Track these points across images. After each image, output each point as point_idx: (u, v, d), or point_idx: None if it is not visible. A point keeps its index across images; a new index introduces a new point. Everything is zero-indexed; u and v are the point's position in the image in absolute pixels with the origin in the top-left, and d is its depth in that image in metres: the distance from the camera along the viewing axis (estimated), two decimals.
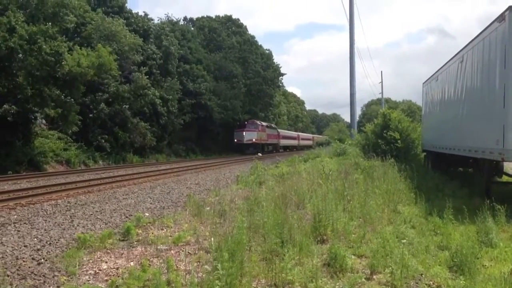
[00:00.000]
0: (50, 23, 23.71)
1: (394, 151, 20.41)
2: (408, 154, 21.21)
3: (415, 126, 23.81)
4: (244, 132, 54.83)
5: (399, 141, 20.95)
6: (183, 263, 6.25)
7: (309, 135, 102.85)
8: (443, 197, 10.83)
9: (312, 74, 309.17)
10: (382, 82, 69.07)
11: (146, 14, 46.53)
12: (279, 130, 70.46)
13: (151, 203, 12.49)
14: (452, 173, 17.03)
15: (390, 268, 5.55)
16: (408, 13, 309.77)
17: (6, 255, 6.81)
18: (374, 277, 5.71)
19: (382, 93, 70.32)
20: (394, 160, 16.53)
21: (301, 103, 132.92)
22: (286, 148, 75.48)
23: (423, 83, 22.66)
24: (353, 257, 6.42)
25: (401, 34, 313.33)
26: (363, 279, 5.56)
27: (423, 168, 18.51)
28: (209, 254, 6.50)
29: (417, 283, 5.46)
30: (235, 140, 55.93)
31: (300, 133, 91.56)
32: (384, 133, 21.53)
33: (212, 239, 6.40)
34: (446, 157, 16.42)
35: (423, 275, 5.66)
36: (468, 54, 13.14)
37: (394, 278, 5.35)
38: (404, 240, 6.53)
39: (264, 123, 60.96)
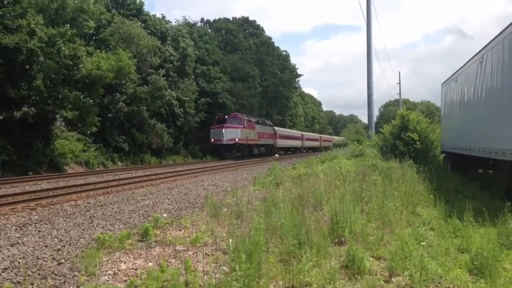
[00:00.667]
0: (68, 25, 24.07)
1: (413, 152, 20.21)
2: (426, 156, 20.99)
3: (434, 127, 23.55)
4: (223, 129, 41.84)
5: (417, 142, 20.75)
6: (201, 264, 6.28)
7: (316, 135, 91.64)
8: (463, 199, 10.68)
9: (328, 75, 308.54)
10: (400, 83, 68.44)
11: (163, 17, 46.96)
12: (276, 128, 58.34)
13: (168, 204, 12.57)
14: (471, 174, 16.81)
15: (409, 270, 5.49)
16: (425, 14, 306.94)
17: (27, 255, 6.92)
18: (393, 279, 5.66)
19: (400, 94, 69.65)
20: (413, 161, 16.38)
21: (318, 104, 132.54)
22: (287, 150, 65.49)
23: (442, 84, 22.41)
24: (371, 259, 6.38)
25: (419, 34, 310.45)
26: (382, 282, 5.53)
27: (442, 170, 18.30)
28: (226, 255, 6.52)
29: (436, 286, 5.40)
30: (211, 140, 43.05)
31: (304, 133, 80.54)
32: (402, 134, 21.35)
33: (230, 240, 6.41)
34: (466, 158, 16.22)
35: (442, 278, 5.60)
36: (487, 55, 12.95)
37: (413, 281, 5.30)
38: (423, 243, 6.46)
39: (253, 118, 48.95)
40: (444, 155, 21.80)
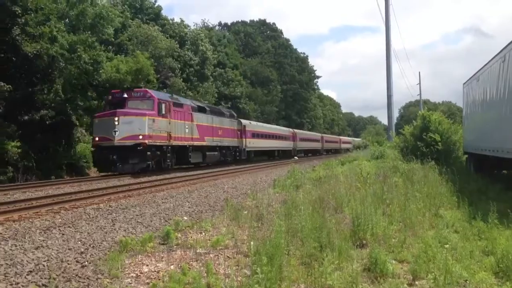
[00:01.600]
0: (89, 32, 24.54)
1: (434, 153, 19.97)
2: (449, 157, 20.71)
3: (456, 128, 23.23)
4: (116, 119, 22.58)
5: (439, 143, 20.49)
6: (222, 267, 6.29)
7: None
8: (487, 200, 10.47)
9: (346, 76, 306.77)
10: (420, 83, 67.73)
11: (182, 21, 47.36)
12: (245, 121, 42.33)
13: (189, 207, 12.63)
14: (496, 175, 16.50)
15: (433, 273, 5.42)
16: (444, 14, 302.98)
17: (52, 258, 7.02)
18: (417, 282, 5.59)
19: (420, 94, 68.89)
20: (435, 162, 16.16)
21: (337, 105, 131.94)
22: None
23: (464, 84, 22.10)
24: (394, 262, 6.31)
25: (437, 34, 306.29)
26: (405, 285, 5.46)
27: (465, 171, 18.02)
28: (247, 258, 6.52)
29: None
30: (95, 139, 23.33)
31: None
32: (423, 136, 21.11)
33: (251, 243, 6.41)
34: (489, 159, 15.94)
35: (467, 281, 5.50)
36: (510, 53, 12.72)
37: (437, 284, 5.23)
38: (447, 245, 6.37)
39: (189, 101, 29.99)
40: (467, 156, 21.47)
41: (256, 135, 44.06)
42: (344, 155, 38.18)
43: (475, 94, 18.91)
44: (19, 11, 21.68)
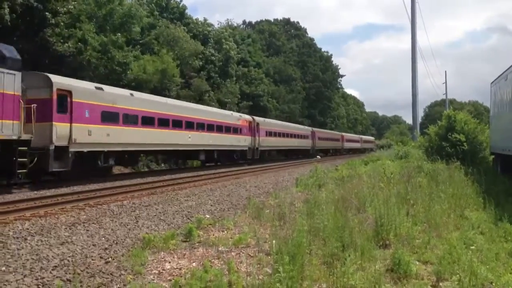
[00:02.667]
0: (119, 34, 24.92)
1: (460, 153, 19.63)
2: (475, 157, 20.33)
3: (482, 128, 22.78)
4: None
5: (465, 144, 20.14)
6: (244, 265, 6.30)
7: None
8: None
9: (370, 75, 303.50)
10: (446, 82, 66.69)
11: (205, 20, 47.60)
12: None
13: (211, 205, 12.69)
14: None
15: (458, 275, 5.32)
16: (470, 12, 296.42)
17: (76, 254, 7.14)
18: (441, 284, 5.50)
19: (446, 94, 67.86)
20: (460, 163, 15.87)
21: (360, 105, 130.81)
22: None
23: (491, 83, 21.64)
24: (417, 263, 6.22)
25: (463, 33, 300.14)
26: (429, 287, 5.38)
27: (492, 172, 17.64)
28: (269, 257, 6.52)
29: None
30: None
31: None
32: (449, 135, 20.78)
33: (273, 241, 6.40)
34: None
35: (493, 284, 5.38)
36: None
37: (462, 286, 5.13)
38: (473, 247, 6.26)
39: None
40: (493, 156, 21.04)
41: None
42: (368, 154, 37.75)
43: (503, 93, 18.48)
44: (49, 15, 22.19)
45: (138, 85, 26.56)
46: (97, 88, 19.81)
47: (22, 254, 7.00)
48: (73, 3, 24.32)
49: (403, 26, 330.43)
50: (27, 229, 8.98)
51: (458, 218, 8.94)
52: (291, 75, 58.65)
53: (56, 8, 23.09)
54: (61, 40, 22.62)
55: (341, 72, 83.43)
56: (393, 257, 6.02)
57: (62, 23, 22.98)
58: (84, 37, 23.02)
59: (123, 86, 25.57)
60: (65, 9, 23.82)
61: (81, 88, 18.56)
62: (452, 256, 5.97)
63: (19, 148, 14.65)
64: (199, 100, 37.12)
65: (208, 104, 38.53)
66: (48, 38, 22.75)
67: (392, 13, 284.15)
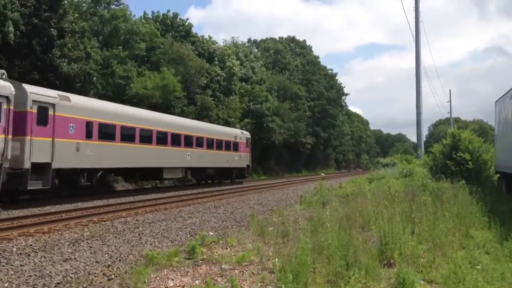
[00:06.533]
0: (120, 47, 25.16)
1: (465, 172, 19.55)
2: (480, 176, 20.23)
3: (487, 147, 22.72)
4: None
5: (469, 162, 20.08)
6: (247, 283, 6.26)
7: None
8: None
9: (373, 94, 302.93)
10: (450, 101, 66.69)
11: (210, 38, 47.96)
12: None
13: (215, 222, 12.66)
14: None
15: None
16: (471, 33, 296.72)
17: (79, 270, 7.12)
18: None
19: (450, 112, 67.84)
20: (465, 182, 15.81)
21: (365, 123, 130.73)
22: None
23: (496, 102, 21.65)
24: (422, 282, 6.17)
25: (465, 53, 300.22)
26: None
27: (496, 191, 17.56)
28: (273, 275, 6.48)
29: None
30: None
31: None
32: (453, 154, 20.73)
33: (276, 259, 6.37)
34: None
35: None
36: None
37: None
38: (478, 266, 6.20)
39: None
40: (498, 175, 20.94)
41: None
42: (372, 172, 37.54)
43: (507, 112, 18.48)
44: (55, 34, 22.43)
45: (139, 101, 26.70)
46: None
47: (25, 271, 6.99)
48: (81, 24, 24.55)
49: (406, 45, 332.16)
50: (31, 245, 8.98)
51: (463, 237, 8.88)
52: (296, 93, 58.68)
53: (64, 26, 23.32)
54: (66, 61, 22.84)
55: (345, 90, 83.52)
56: (397, 276, 5.98)
57: (69, 45, 23.22)
58: (87, 51, 23.20)
59: (125, 101, 25.71)
60: (71, 27, 24.10)
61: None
62: (457, 275, 5.92)
63: None
64: (204, 116, 37.24)
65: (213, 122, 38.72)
66: (56, 60, 22.98)
67: (394, 32, 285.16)
